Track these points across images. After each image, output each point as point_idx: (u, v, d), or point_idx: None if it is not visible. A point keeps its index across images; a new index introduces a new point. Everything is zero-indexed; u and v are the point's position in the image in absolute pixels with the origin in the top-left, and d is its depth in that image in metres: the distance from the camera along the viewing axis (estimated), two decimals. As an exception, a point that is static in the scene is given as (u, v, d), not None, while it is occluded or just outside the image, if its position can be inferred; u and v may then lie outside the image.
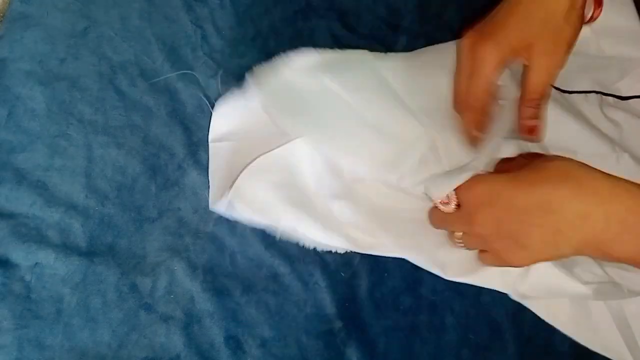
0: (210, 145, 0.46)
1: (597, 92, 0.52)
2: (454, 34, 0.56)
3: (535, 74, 0.43)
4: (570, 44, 0.43)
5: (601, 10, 0.47)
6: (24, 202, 0.42)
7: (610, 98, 0.52)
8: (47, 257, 0.41)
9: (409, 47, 0.54)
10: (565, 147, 0.49)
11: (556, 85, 0.52)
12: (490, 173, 0.42)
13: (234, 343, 0.43)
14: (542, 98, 0.44)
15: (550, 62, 0.43)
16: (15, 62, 0.45)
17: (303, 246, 0.46)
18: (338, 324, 0.45)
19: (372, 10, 0.55)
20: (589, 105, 0.52)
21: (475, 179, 0.40)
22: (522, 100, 0.44)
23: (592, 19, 0.48)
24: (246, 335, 0.43)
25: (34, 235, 0.42)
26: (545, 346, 0.47)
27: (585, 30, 0.50)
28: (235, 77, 0.49)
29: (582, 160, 0.50)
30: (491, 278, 0.45)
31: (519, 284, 0.44)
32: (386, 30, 0.54)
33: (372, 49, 0.53)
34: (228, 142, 0.46)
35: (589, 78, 0.52)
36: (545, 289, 0.44)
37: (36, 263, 0.41)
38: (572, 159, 0.39)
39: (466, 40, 0.43)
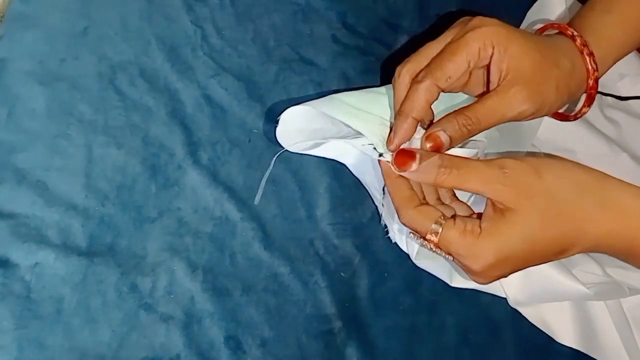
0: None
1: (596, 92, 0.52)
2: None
3: (501, 103, 0.37)
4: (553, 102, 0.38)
5: (589, 109, 0.43)
6: (24, 202, 0.42)
7: (610, 98, 0.52)
8: (47, 257, 0.41)
9: (409, 47, 0.54)
10: (563, 146, 0.50)
11: None
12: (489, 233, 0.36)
13: (234, 343, 0.43)
14: (473, 132, 0.37)
15: (527, 101, 0.37)
16: (15, 62, 0.45)
17: (303, 246, 0.46)
18: (338, 324, 0.45)
19: (372, 10, 0.55)
20: None
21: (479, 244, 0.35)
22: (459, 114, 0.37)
23: (579, 113, 0.44)
24: (246, 335, 0.43)
25: (34, 235, 0.42)
26: (544, 346, 0.47)
27: None
28: (235, 77, 0.49)
29: (581, 160, 0.50)
30: (493, 284, 0.46)
31: (520, 290, 0.44)
32: (386, 30, 0.55)
33: (372, 48, 0.54)
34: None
35: None
36: (546, 294, 0.44)
37: (36, 263, 0.41)
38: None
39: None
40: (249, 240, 0.45)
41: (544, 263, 0.37)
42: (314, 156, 0.49)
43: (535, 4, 0.54)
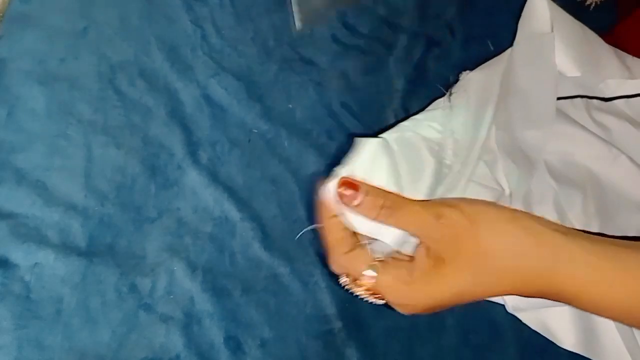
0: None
1: (582, 97, 0.52)
2: (454, 34, 0.56)
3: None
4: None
5: None
6: (23, 202, 0.42)
7: (595, 100, 0.52)
8: (46, 257, 0.41)
9: (409, 47, 0.54)
10: (563, 150, 0.49)
11: None
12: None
13: (234, 343, 0.43)
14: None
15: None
16: (15, 62, 0.45)
17: (303, 246, 0.46)
18: (338, 324, 0.45)
19: (372, 10, 0.55)
20: (576, 111, 0.51)
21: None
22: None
23: None
24: (246, 335, 0.43)
25: (34, 235, 0.42)
26: (544, 346, 0.47)
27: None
28: (235, 77, 0.49)
29: (580, 163, 0.50)
30: None
31: (519, 297, 0.44)
32: (386, 30, 0.54)
33: (372, 48, 0.53)
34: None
35: (572, 82, 0.51)
36: (546, 300, 0.44)
37: (36, 263, 0.41)
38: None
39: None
40: (249, 240, 0.45)
41: None
42: (314, 156, 0.48)
43: (523, 15, 0.52)
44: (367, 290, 0.35)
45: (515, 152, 0.47)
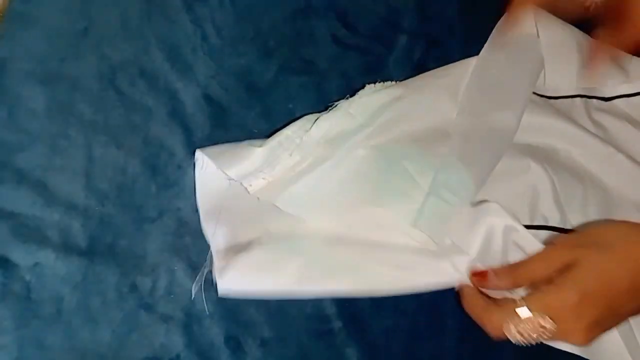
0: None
1: (581, 96, 0.52)
2: (454, 34, 0.56)
3: None
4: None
5: None
6: (24, 202, 0.42)
7: (595, 100, 0.52)
8: (47, 257, 0.41)
9: (409, 47, 0.54)
10: (562, 147, 0.50)
11: (540, 92, 0.52)
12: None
13: (234, 343, 0.43)
14: None
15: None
16: (15, 62, 0.45)
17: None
18: (338, 324, 0.45)
19: (372, 10, 0.55)
20: (575, 110, 0.52)
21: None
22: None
23: None
24: (246, 335, 0.43)
25: (34, 235, 0.42)
26: (544, 347, 0.47)
27: None
28: (235, 77, 0.49)
29: (577, 159, 0.50)
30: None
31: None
32: (386, 30, 0.55)
33: (372, 48, 0.54)
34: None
35: (572, 82, 0.51)
36: None
37: (36, 263, 0.41)
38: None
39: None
40: (249, 240, 0.45)
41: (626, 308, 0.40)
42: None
43: (504, 17, 0.52)
44: (533, 327, 0.40)
45: (481, 137, 0.47)
